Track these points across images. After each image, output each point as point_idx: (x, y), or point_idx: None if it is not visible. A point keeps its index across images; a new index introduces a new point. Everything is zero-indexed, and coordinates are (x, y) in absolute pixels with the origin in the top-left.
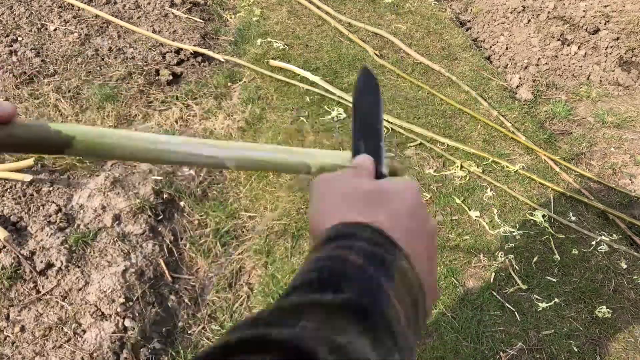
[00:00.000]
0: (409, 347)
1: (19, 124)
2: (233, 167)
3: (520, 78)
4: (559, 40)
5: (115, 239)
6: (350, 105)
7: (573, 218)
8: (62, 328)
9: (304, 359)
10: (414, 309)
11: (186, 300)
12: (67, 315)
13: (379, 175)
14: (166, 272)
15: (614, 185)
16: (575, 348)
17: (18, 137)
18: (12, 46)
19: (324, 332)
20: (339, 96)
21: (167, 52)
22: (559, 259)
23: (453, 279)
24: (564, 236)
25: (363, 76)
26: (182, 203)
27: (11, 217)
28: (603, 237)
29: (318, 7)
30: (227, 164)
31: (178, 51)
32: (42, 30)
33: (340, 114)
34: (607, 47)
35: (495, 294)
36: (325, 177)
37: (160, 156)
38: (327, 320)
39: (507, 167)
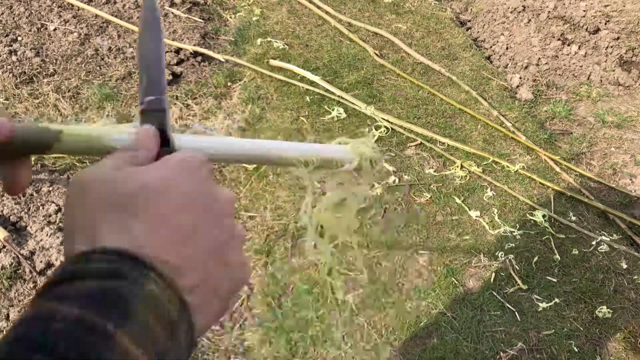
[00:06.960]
0: None
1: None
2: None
3: (520, 78)
4: (559, 40)
5: None
6: (351, 104)
7: (573, 218)
8: None
9: None
10: (170, 334)
11: None
12: None
13: (164, 141)
14: None
15: (614, 185)
16: (575, 348)
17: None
18: (11, 46)
19: None
20: (339, 96)
21: (167, 51)
22: (559, 259)
23: (453, 279)
24: (564, 236)
25: (148, 6)
26: None
27: (11, 217)
28: (603, 237)
29: (318, 7)
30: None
31: (178, 51)
32: (41, 30)
33: (341, 113)
34: (607, 47)
35: (495, 294)
36: (85, 175)
37: None
38: None
39: (507, 167)
